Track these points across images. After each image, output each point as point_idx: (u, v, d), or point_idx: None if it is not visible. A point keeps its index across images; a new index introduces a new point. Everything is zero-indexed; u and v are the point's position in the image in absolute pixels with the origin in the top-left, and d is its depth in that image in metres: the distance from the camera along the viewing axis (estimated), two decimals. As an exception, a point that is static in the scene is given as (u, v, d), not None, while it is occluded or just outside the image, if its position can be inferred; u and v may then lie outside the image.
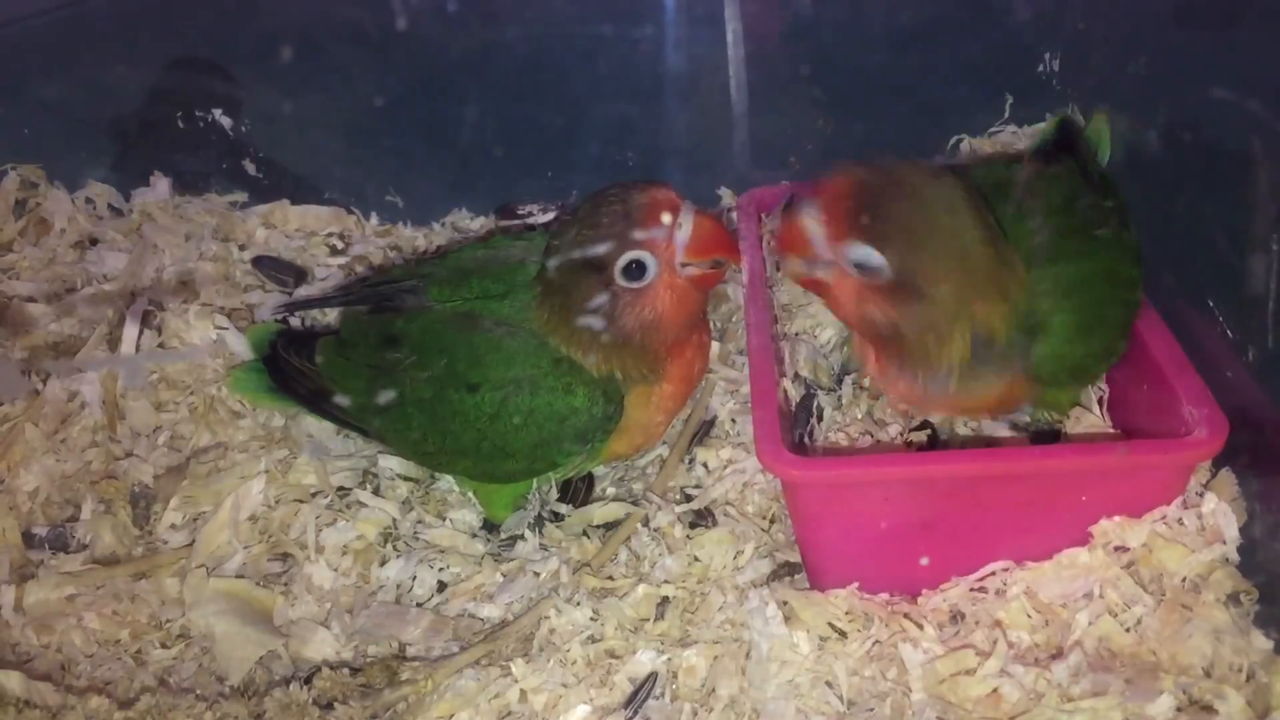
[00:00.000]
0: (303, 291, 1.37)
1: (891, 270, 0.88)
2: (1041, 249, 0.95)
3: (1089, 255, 0.96)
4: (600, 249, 0.94)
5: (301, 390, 1.11)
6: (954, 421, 1.08)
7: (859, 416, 1.09)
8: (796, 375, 1.11)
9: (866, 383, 1.10)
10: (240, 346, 1.26)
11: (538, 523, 1.09)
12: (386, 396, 1.03)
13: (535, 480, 1.06)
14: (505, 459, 1.00)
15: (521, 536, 1.08)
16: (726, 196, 1.46)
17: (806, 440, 1.06)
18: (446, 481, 1.15)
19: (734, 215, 1.27)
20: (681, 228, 0.94)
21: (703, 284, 0.98)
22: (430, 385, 1.00)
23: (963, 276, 0.89)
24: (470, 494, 1.12)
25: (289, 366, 1.12)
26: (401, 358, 1.02)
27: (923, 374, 0.95)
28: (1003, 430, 1.06)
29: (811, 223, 0.91)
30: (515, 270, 1.03)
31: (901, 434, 1.07)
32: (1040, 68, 1.33)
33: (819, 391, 1.10)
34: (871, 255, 0.88)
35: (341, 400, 1.07)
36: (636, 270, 0.94)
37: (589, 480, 1.13)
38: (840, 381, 1.12)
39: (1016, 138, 1.37)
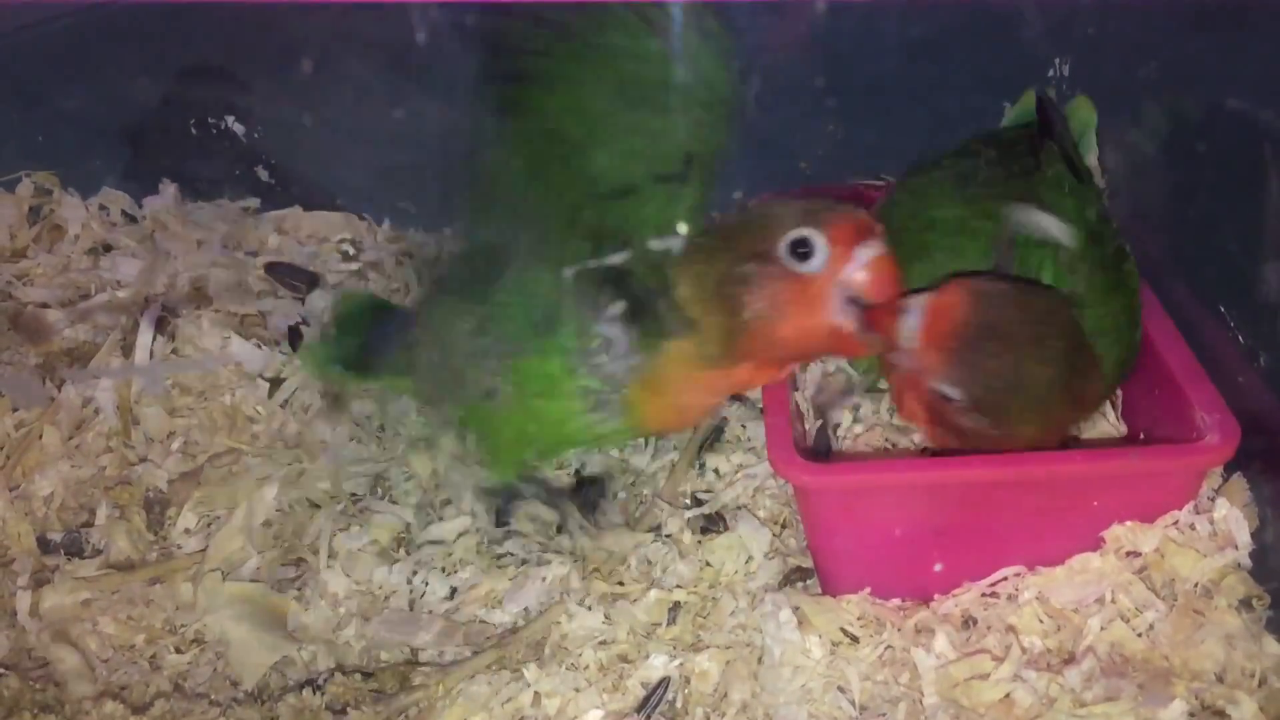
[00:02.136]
0: (315, 298, 1.37)
1: (968, 407, 0.88)
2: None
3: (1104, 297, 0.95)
4: (778, 212, 0.84)
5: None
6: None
7: (872, 424, 1.09)
8: (809, 385, 1.11)
9: (882, 383, 1.10)
10: (247, 355, 1.26)
11: (547, 530, 1.09)
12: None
13: (543, 447, 1.01)
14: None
15: (520, 532, 1.07)
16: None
17: (818, 446, 1.07)
18: (458, 490, 1.14)
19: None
20: (869, 248, 0.81)
21: (844, 345, 0.85)
22: None
23: (1034, 430, 0.90)
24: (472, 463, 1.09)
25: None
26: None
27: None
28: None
29: (908, 332, 0.86)
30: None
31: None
32: (1050, 73, 1.33)
33: (832, 399, 1.10)
34: (954, 393, 0.87)
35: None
36: (802, 251, 0.81)
37: (601, 487, 1.13)
38: (852, 390, 1.11)
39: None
